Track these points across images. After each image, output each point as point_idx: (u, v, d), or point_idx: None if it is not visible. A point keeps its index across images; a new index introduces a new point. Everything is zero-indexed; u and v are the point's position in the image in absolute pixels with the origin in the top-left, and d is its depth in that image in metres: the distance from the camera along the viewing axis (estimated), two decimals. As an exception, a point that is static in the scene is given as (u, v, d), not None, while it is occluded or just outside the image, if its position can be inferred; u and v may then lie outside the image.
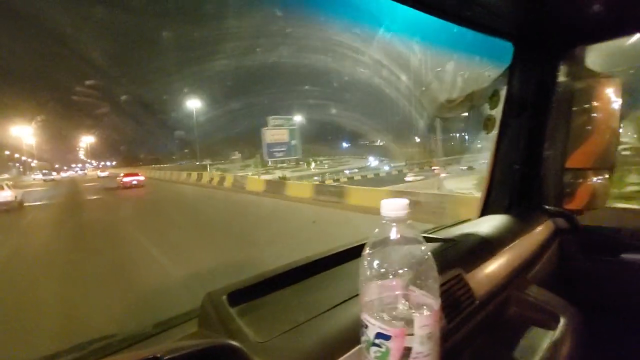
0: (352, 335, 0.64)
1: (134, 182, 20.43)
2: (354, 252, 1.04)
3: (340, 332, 0.74)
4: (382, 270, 0.49)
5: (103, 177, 31.58)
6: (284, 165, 38.24)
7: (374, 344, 0.48)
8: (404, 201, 0.50)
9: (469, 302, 0.86)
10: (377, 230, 0.51)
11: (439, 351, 0.50)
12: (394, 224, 0.49)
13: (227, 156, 48.08)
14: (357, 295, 0.69)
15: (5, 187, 13.37)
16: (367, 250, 0.51)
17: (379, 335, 0.47)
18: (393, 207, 0.49)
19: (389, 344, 0.47)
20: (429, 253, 0.50)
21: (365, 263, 0.50)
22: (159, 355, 0.57)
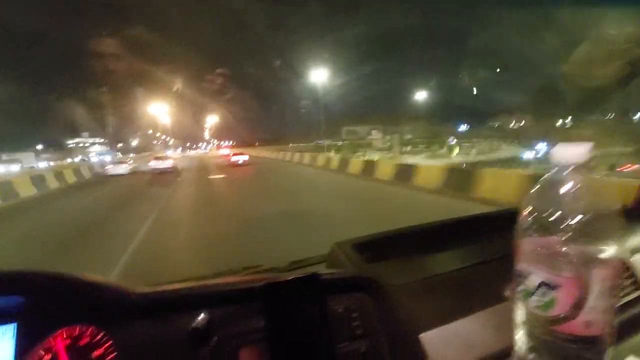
0: (494, 291, 0.72)
1: (240, 162, 22.67)
2: (490, 220, 1.21)
3: (481, 286, 0.79)
4: (553, 218, 0.45)
5: (222, 154, 36.62)
6: (408, 148, 31.88)
7: (535, 294, 0.46)
8: (585, 145, 0.45)
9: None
10: (546, 176, 0.48)
11: (614, 311, 0.46)
12: (569, 170, 0.45)
13: (360, 137, 42.74)
14: (497, 257, 0.87)
15: (170, 158, 22.73)
16: (533, 196, 0.48)
17: (543, 284, 0.45)
18: (570, 151, 0.45)
19: (556, 293, 0.44)
20: (612, 206, 0.45)
21: (531, 210, 0.47)
22: (318, 273, 0.67)
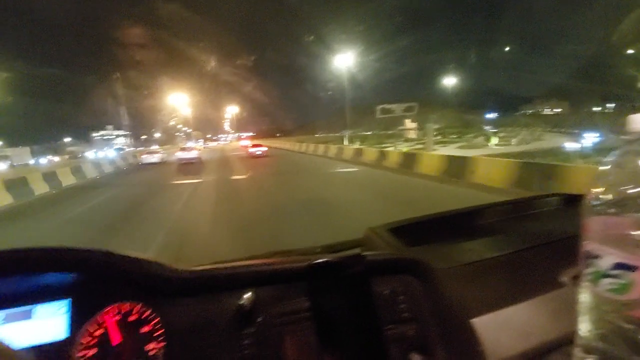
0: (548, 276, 0.71)
1: (258, 153, 23.17)
2: (533, 205, 1.19)
3: (533, 271, 0.77)
4: (631, 193, 0.42)
5: (242, 145, 37.58)
6: (437, 138, 29.81)
7: (608, 275, 0.43)
8: None
9: None
10: (621, 149, 0.45)
11: None
12: None
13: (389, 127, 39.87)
14: (547, 242, 0.87)
15: (195, 149, 24.94)
16: (607, 172, 0.45)
17: (618, 266, 0.42)
18: None
19: (634, 275, 0.42)
20: None
21: (605, 186, 0.45)
22: (363, 254, 0.69)
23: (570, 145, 18.24)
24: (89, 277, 0.69)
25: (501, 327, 0.65)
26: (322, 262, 0.66)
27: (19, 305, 0.65)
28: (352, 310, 0.64)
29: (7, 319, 0.63)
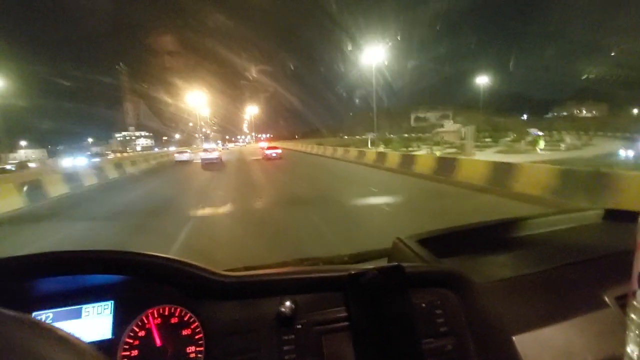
0: (592, 295, 0.70)
1: (273, 155, 23.11)
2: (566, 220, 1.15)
3: (575, 289, 0.74)
4: None
5: (260, 147, 38.00)
6: (463, 142, 27.40)
7: None
8: None
9: None
10: None
11: None
12: None
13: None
14: (589, 259, 0.84)
15: (216, 149, 25.11)
16: None
17: None
18: None
19: None
20: None
21: None
22: (402, 265, 0.69)
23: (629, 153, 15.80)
24: (132, 280, 0.72)
25: (542, 346, 0.63)
26: (362, 272, 0.69)
27: (69, 305, 0.69)
28: (389, 321, 0.65)
29: (58, 318, 0.68)
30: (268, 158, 22.82)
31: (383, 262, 0.93)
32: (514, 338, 0.64)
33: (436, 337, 0.68)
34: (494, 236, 1.06)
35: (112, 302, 0.70)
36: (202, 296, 0.72)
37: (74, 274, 0.67)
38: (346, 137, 42.62)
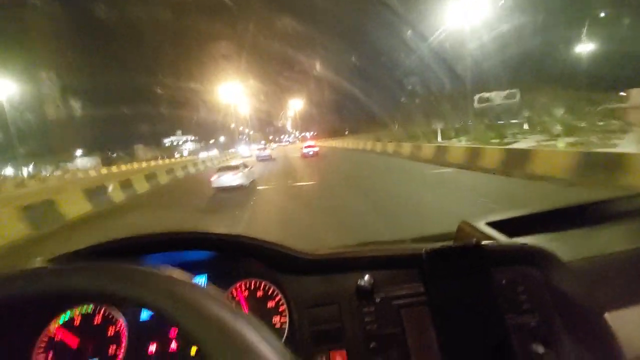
0: None
1: (310, 153, 24.41)
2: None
3: None
4: None
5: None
6: (558, 128, 21.18)
7: None
8: None
9: None
10: None
11: None
12: None
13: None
14: None
15: (268, 149, 33.44)
16: None
17: None
18: None
19: None
20: None
21: None
22: (481, 243, 0.69)
23: None
24: (222, 257, 0.81)
25: (637, 323, 0.61)
26: (441, 249, 0.70)
27: None
28: (469, 297, 0.66)
29: None
30: (305, 156, 23.93)
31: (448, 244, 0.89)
32: (606, 315, 0.61)
33: (518, 313, 0.68)
34: (572, 218, 0.97)
35: (206, 275, 0.79)
36: (285, 272, 0.78)
37: (177, 250, 0.77)
38: (399, 128, 37.63)
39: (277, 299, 0.76)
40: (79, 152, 73.81)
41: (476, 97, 26.99)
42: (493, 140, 17.42)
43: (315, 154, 24.47)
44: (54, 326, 0.70)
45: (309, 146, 25.70)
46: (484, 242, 0.72)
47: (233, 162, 12.64)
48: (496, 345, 0.63)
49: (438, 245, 0.72)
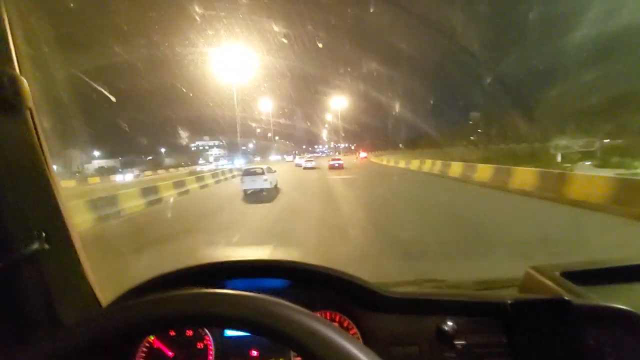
0: None
1: (336, 165, 27.85)
2: None
3: None
4: None
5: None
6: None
7: None
8: None
9: None
10: None
11: None
12: None
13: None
14: None
15: (313, 160, 34.47)
16: None
17: None
18: None
19: None
20: None
21: None
22: (568, 299, 0.66)
23: None
24: (297, 285, 0.82)
25: None
26: (525, 301, 0.69)
27: None
28: (552, 354, 0.64)
29: None
30: (332, 167, 27.41)
31: (514, 292, 0.91)
32: None
33: None
34: None
35: None
36: (362, 306, 0.78)
37: (255, 277, 0.80)
38: (464, 147, 29.08)
39: (352, 332, 0.76)
40: (97, 153, 70.69)
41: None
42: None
43: (340, 166, 27.86)
44: (153, 335, 0.76)
45: (335, 159, 30.00)
46: (573, 299, 0.70)
47: (257, 167, 13.82)
48: None
49: (523, 296, 0.71)
